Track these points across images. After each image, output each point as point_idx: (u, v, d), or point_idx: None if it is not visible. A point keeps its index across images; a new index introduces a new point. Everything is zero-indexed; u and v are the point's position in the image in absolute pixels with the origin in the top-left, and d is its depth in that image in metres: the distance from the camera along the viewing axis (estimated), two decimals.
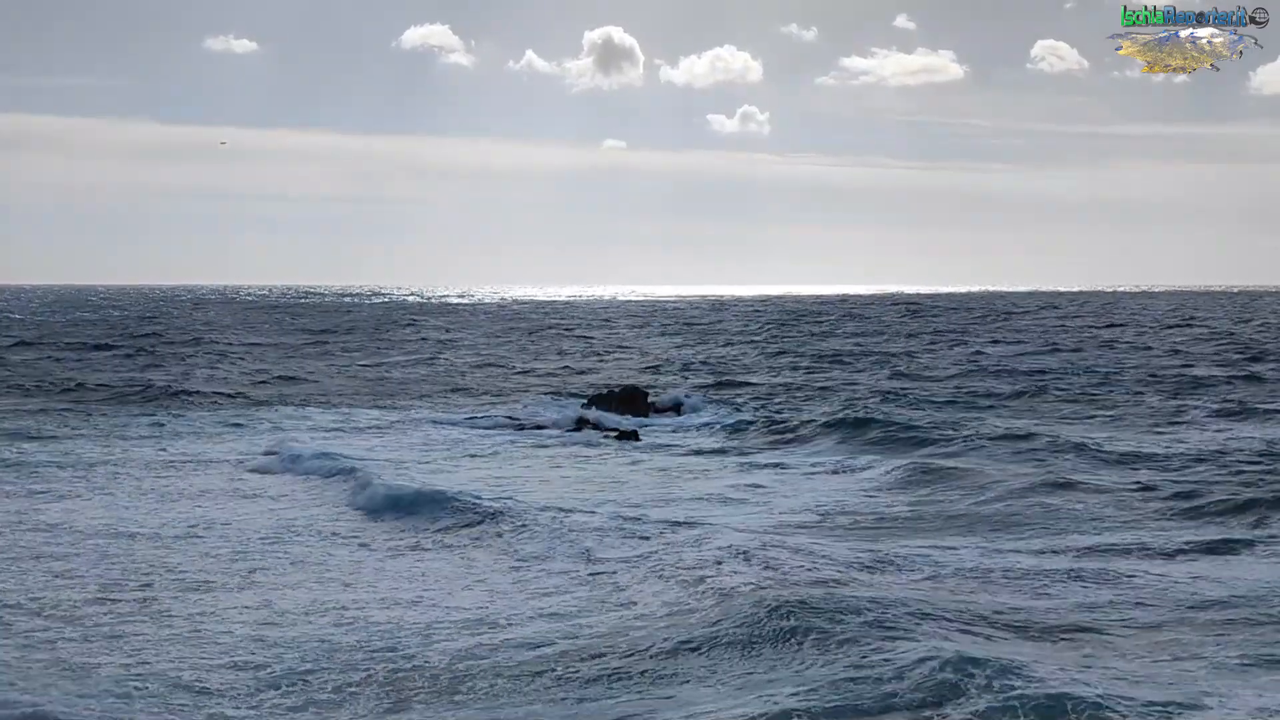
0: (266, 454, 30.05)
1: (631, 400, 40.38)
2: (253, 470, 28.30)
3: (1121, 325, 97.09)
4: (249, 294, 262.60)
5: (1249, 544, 18.89)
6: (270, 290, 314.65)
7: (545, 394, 46.51)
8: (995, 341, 76.03)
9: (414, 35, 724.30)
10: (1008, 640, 13.74)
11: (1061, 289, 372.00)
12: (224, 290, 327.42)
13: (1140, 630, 14.22)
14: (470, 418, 38.36)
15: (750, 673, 12.84)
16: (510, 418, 38.24)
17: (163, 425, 36.51)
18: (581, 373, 56.64)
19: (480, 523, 21.28)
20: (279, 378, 53.83)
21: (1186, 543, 19.02)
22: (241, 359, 64.61)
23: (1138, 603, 15.47)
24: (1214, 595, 15.78)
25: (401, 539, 20.80)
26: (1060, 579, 16.70)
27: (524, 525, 20.86)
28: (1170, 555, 18.34)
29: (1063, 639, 13.88)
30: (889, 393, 44.64)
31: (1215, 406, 38.12)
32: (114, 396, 44.27)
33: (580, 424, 36.70)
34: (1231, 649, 13.40)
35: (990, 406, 40.38)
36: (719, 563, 17.37)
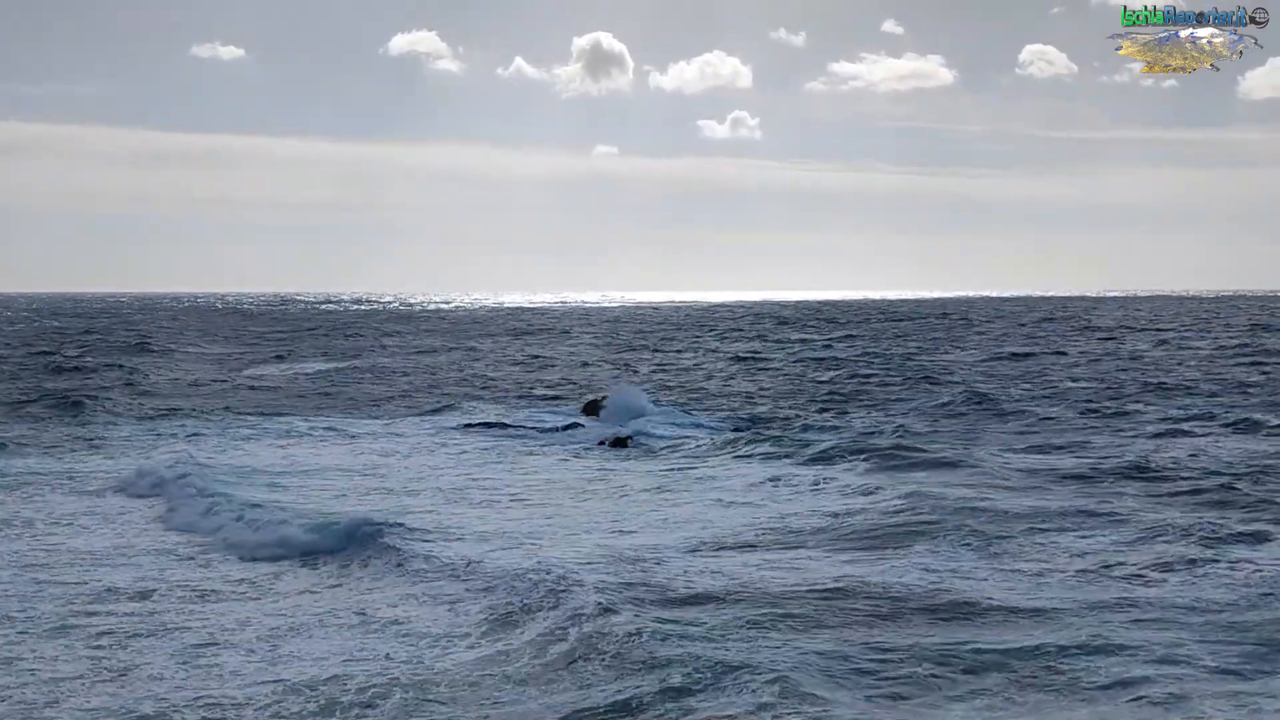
0: (140, 474, 26.71)
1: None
2: (127, 492, 25.30)
3: (1097, 329, 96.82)
4: (228, 300, 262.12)
5: (1201, 562, 17.59)
6: (259, 297, 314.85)
7: (524, 399, 46.04)
8: (970, 348, 75.12)
9: (401, 42, 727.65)
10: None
11: (1054, 294, 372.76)
12: (212, 298, 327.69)
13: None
14: (463, 424, 37.52)
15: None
16: (502, 424, 37.58)
17: (65, 438, 34.31)
18: (564, 379, 56.20)
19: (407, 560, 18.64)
20: (226, 385, 52.75)
21: (1154, 561, 18.31)
22: (202, 365, 64.03)
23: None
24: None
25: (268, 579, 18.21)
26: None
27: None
28: (1125, 568, 17.74)
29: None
30: (874, 399, 44.44)
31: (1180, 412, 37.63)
32: (42, 407, 41.98)
33: (572, 430, 36.27)
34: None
35: (937, 415, 39.57)
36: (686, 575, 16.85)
